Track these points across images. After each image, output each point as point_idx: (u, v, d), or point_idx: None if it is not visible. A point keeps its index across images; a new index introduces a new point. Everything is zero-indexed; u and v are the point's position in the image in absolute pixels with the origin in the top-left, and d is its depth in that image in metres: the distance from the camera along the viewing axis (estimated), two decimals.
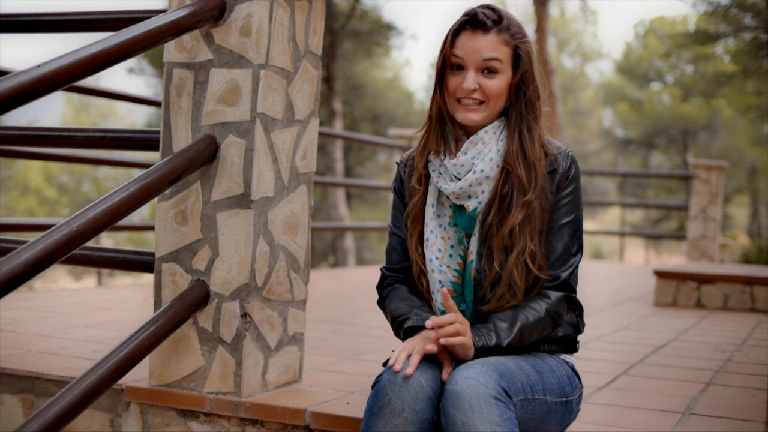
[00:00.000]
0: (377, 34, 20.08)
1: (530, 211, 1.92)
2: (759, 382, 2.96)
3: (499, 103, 1.95)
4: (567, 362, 2.02)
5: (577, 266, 1.98)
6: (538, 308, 1.92)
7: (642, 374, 2.98)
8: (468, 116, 1.93)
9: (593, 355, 3.32)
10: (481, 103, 1.92)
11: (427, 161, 2.01)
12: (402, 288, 2.08)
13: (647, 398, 2.58)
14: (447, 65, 1.95)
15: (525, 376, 1.84)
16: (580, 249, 1.98)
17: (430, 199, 2.00)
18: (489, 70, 1.91)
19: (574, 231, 1.97)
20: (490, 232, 1.94)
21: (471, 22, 1.92)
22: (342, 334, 3.66)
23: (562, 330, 2.00)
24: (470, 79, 1.90)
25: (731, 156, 25.17)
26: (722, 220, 13.65)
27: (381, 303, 2.11)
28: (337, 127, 17.31)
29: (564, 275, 1.95)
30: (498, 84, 1.91)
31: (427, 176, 2.02)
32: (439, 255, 1.99)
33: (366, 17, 19.49)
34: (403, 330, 1.96)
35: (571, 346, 2.04)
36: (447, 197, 1.99)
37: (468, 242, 1.98)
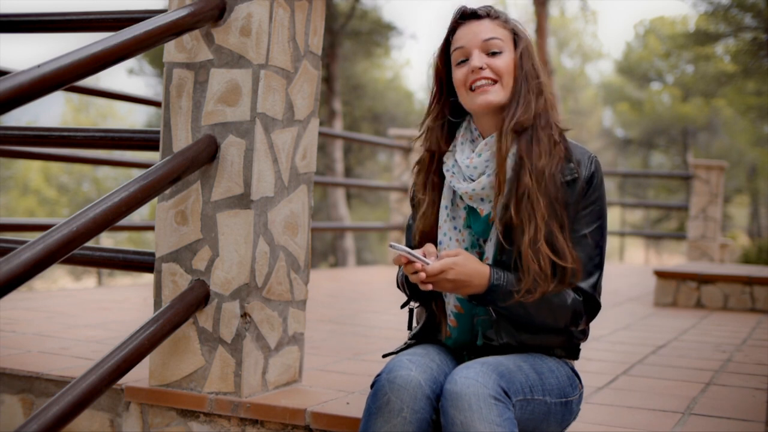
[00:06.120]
0: (377, 34, 20.08)
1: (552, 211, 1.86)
2: (759, 382, 2.96)
3: (511, 82, 1.92)
4: (567, 363, 2.01)
5: (599, 278, 1.92)
6: (565, 295, 1.87)
7: (642, 374, 2.98)
8: (485, 98, 1.90)
9: (593, 355, 3.32)
10: (495, 82, 1.91)
11: (442, 163, 2.00)
12: None
13: (647, 398, 2.58)
14: (452, 63, 1.96)
15: (524, 376, 1.84)
16: (602, 260, 1.92)
17: (444, 201, 1.98)
18: (493, 52, 1.91)
19: (596, 241, 1.91)
20: (507, 238, 1.88)
21: (463, 16, 1.96)
22: (342, 334, 3.66)
23: (575, 335, 1.99)
24: (477, 58, 1.90)
25: (731, 156, 25.16)
26: (722, 220, 13.64)
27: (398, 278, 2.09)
28: (337, 127, 17.31)
29: (585, 286, 1.89)
30: (504, 61, 1.91)
31: (441, 181, 2.00)
32: None
33: (366, 17, 19.49)
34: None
35: (574, 353, 2.03)
36: (461, 198, 1.96)
37: (483, 246, 1.96)
